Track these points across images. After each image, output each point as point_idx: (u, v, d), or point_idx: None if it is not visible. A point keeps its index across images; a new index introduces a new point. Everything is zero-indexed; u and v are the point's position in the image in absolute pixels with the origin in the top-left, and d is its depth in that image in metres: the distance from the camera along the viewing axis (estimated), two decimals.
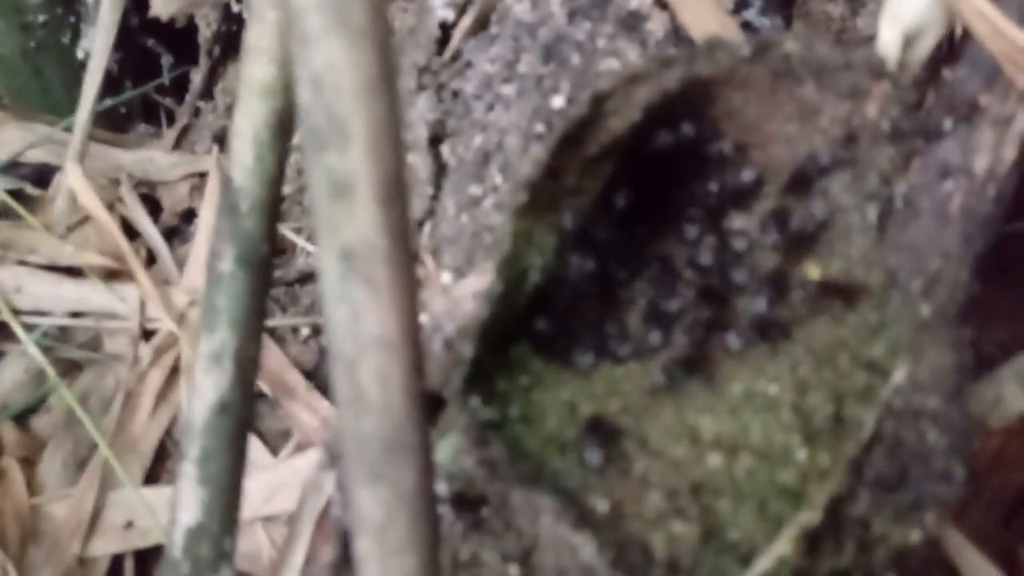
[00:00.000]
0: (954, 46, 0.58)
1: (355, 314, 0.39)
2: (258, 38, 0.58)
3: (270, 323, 0.91)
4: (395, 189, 0.38)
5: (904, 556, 0.46)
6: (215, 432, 0.55)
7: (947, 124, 0.51)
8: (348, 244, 0.38)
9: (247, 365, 0.57)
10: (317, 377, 0.90)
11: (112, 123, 1.13)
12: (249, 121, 0.58)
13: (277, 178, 0.58)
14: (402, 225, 0.38)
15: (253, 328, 0.57)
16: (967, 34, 0.55)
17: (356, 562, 0.41)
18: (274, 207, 0.58)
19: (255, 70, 0.57)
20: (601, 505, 0.46)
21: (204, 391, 0.55)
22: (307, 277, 0.95)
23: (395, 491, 0.40)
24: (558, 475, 0.48)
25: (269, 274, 0.58)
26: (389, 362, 0.39)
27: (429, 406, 0.42)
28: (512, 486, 0.46)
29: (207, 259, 0.58)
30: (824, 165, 0.52)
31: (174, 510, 0.55)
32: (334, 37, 0.39)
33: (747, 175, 0.56)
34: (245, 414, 0.56)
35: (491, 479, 0.47)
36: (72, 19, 1.03)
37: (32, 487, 0.82)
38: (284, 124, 0.59)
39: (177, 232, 1.00)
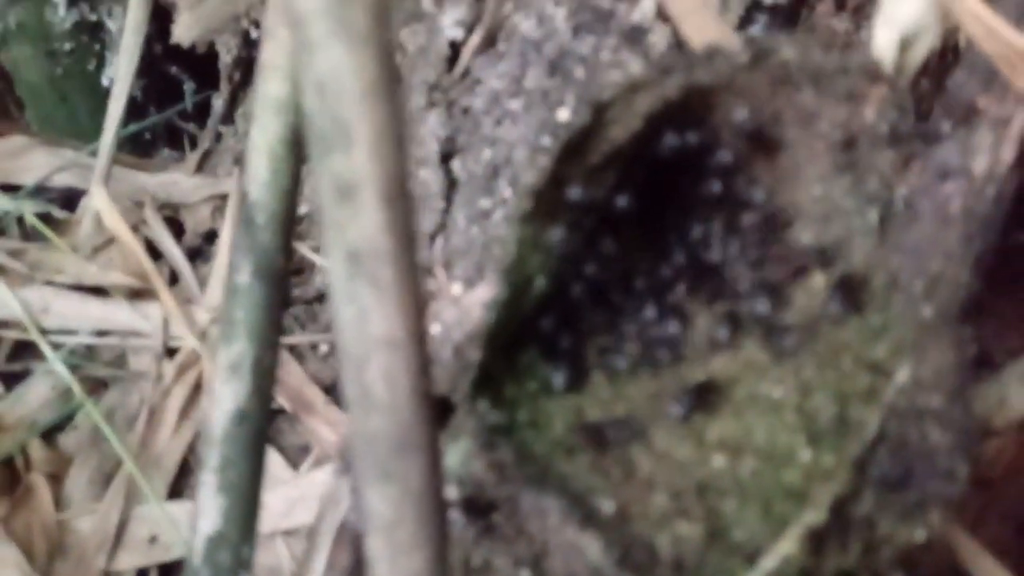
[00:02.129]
0: (958, 54, 0.59)
1: (361, 314, 0.40)
2: (272, 55, 0.59)
3: (289, 340, 0.93)
4: (399, 190, 0.39)
5: (910, 557, 0.46)
6: (234, 441, 0.56)
7: (945, 126, 0.52)
8: (354, 245, 0.39)
9: (265, 375, 0.58)
10: (335, 393, 0.91)
11: (137, 148, 1.16)
12: (264, 136, 0.59)
13: (292, 192, 0.59)
14: (407, 226, 0.40)
15: (270, 339, 0.58)
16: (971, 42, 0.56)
17: (367, 562, 0.42)
18: (289, 220, 0.60)
19: (270, 87, 0.59)
20: (607, 506, 0.47)
21: (223, 400, 0.57)
22: (325, 295, 0.97)
23: (403, 489, 0.41)
24: (565, 478, 0.48)
25: (285, 286, 0.60)
26: (395, 361, 0.40)
27: (438, 408, 0.43)
28: (520, 488, 0.47)
29: (226, 273, 0.59)
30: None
31: (195, 519, 0.56)
32: (336, 43, 0.40)
33: (757, 195, 0.56)
34: (263, 423, 0.58)
35: (500, 482, 0.48)
36: (97, 47, 1.06)
37: (59, 502, 0.83)
38: (299, 139, 0.60)
39: (199, 252, 1.03)
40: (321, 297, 0.96)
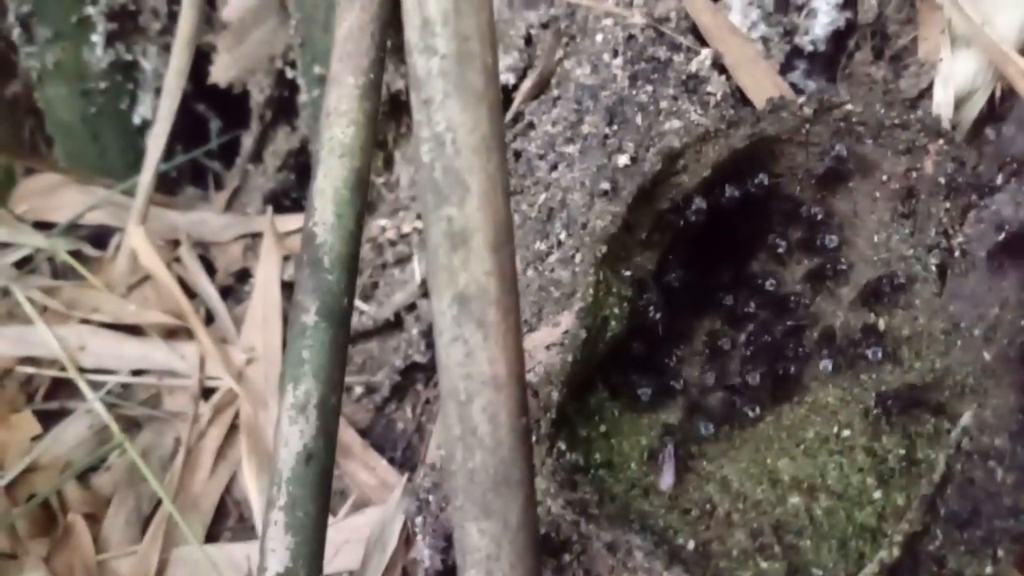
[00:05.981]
0: (994, 107, 0.61)
1: (468, 354, 0.41)
2: (337, 102, 0.61)
3: None
4: (505, 236, 0.41)
5: None
6: (301, 480, 0.57)
7: (998, 179, 0.54)
8: (463, 289, 0.41)
9: (330, 415, 0.59)
10: (372, 435, 0.91)
11: (162, 186, 1.17)
12: (330, 180, 0.61)
13: (356, 234, 0.61)
14: (511, 270, 0.41)
15: (335, 379, 0.59)
16: (1007, 95, 0.58)
17: None
18: (354, 262, 0.61)
19: (335, 132, 0.61)
20: (689, 544, 0.48)
21: (290, 440, 0.57)
22: (360, 336, 0.97)
23: (502, 525, 0.42)
24: (645, 515, 0.50)
25: (349, 328, 0.61)
26: (498, 400, 0.42)
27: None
28: (602, 527, 0.48)
29: (290, 313, 0.60)
30: None
31: (263, 557, 0.56)
32: (453, 101, 0.42)
33: (830, 239, 0.58)
34: (329, 463, 0.58)
35: (579, 522, 0.49)
36: (131, 86, 1.08)
37: (97, 542, 0.83)
38: (362, 183, 0.62)
39: (231, 291, 1.03)
40: (355, 338, 0.97)
